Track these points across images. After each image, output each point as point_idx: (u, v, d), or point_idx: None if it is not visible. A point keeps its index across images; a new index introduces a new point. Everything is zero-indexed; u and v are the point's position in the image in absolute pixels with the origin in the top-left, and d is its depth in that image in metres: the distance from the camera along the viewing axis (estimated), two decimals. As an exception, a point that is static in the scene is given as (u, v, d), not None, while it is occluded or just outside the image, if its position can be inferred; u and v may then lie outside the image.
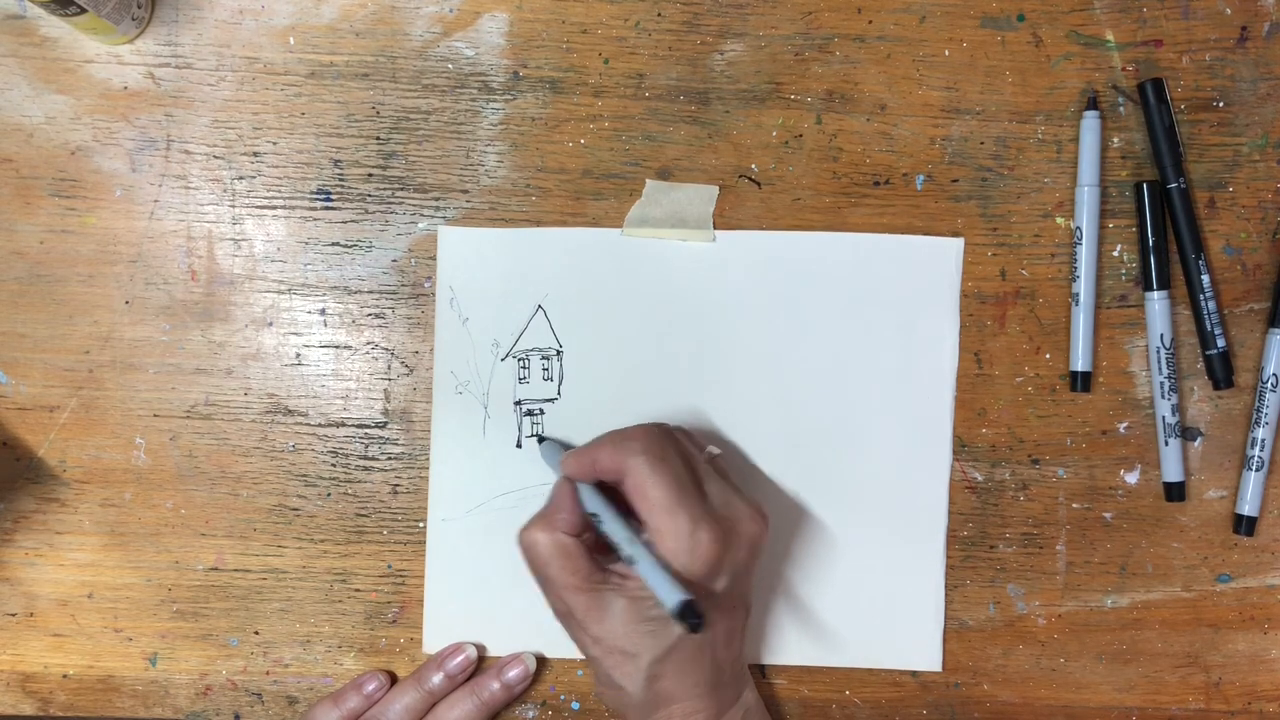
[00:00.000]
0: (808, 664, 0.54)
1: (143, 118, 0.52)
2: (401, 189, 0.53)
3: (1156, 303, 0.53)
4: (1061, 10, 0.53)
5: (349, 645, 0.54)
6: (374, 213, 0.53)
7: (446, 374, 0.53)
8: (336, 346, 0.53)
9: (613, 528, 0.46)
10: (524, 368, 0.53)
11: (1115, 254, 0.54)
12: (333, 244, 0.53)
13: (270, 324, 0.53)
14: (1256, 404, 0.53)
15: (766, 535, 0.48)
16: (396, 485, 0.54)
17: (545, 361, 0.53)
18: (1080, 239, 0.53)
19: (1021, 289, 0.54)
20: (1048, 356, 0.54)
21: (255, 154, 0.53)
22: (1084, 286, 0.53)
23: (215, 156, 0.53)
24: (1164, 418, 0.53)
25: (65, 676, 0.54)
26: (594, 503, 0.46)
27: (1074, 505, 0.54)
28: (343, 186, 0.53)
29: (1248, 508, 0.54)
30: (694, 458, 0.48)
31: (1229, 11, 0.53)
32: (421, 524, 0.54)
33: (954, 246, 0.54)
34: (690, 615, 0.42)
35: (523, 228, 0.53)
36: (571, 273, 0.53)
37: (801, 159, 0.53)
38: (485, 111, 0.53)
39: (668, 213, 0.53)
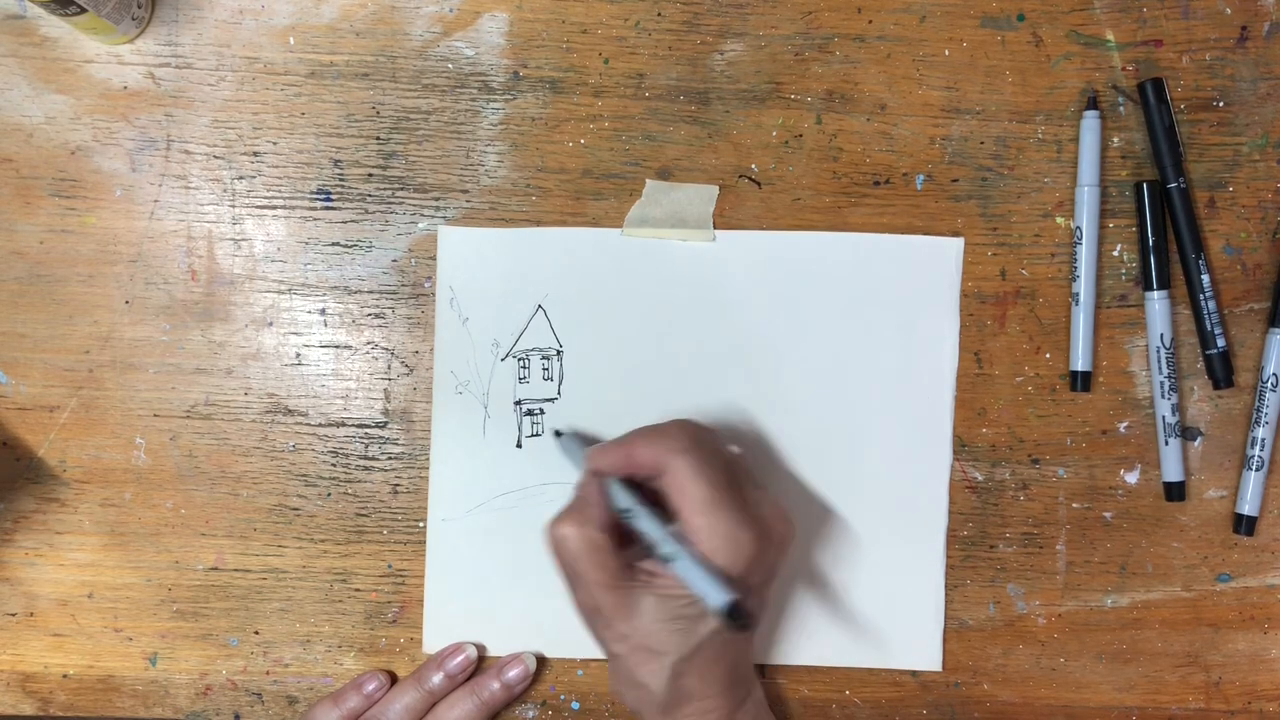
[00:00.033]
0: (808, 664, 0.54)
1: (143, 118, 0.52)
2: (401, 189, 0.53)
3: (1156, 302, 0.53)
4: (1061, 10, 0.53)
5: (349, 645, 0.54)
6: (374, 213, 0.53)
7: (446, 374, 0.53)
8: (336, 346, 0.53)
9: (647, 525, 0.45)
10: (524, 368, 0.53)
11: (1115, 254, 0.54)
12: (333, 244, 0.53)
13: (270, 324, 0.53)
14: (1256, 404, 0.53)
15: (793, 538, 0.48)
16: (396, 485, 0.54)
17: (545, 361, 0.53)
18: (1080, 239, 0.53)
19: (1021, 289, 0.54)
20: (1048, 356, 0.54)
21: (255, 154, 0.53)
22: (1084, 286, 0.53)
23: (215, 156, 0.53)
24: (1164, 417, 0.53)
25: (65, 676, 0.54)
26: (625, 498, 0.46)
27: (1074, 505, 0.54)
28: (343, 186, 0.53)
29: (1248, 507, 0.54)
30: (729, 456, 0.47)
31: (1229, 11, 0.53)
32: (421, 524, 0.54)
33: (954, 246, 0.54)
34: (740, 615, 0.42)
35: (523, 228, 0.53)
36: (571, 273, 0.53)
37: (801, 159, 0.53)
38: (485, 111, 0.53)
39: (668, 213, 0.53)
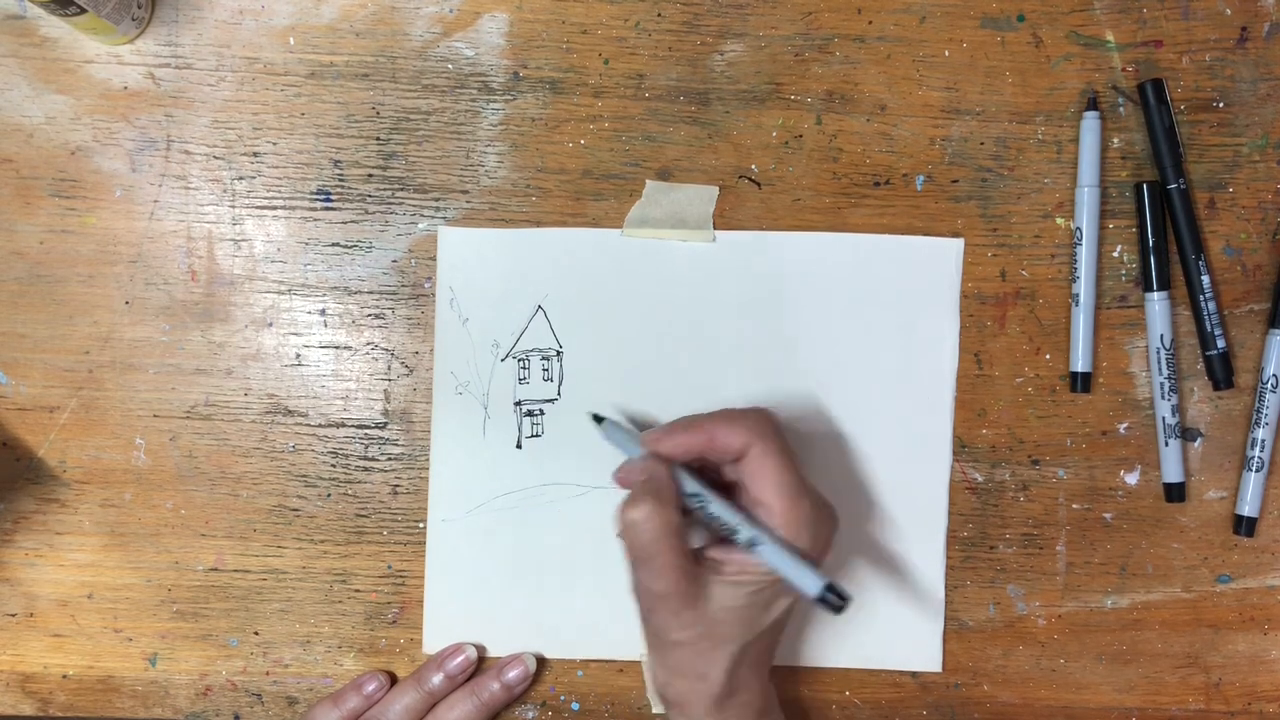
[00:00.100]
0: (808, 664, 0.54)
1: (143, 118, 0.52)
2: (401, 189, 0.53)
3: (1156, 303, 0.53)
4: (1061, 10, 0.53)
5: (349, 645, 0.54)
6: (374, 213, 0.53)
7: (446, 374, 0.53)
8: (336, 347, 0.53)
9: (722, 510, 0.45)
10: (524, 368, 0.53)
11: (1115, 254, 0.54)
12: (333, 244, 0.53)
13: (270, 324, 0.53)
14: (1256, 404, 0.53)
15: (838, 527, 0.48)
16: (396, 486, 0.54)
17: (545, 362, 0.53)
18: (1080, 239, 0.53)
19: (1021, 289, 0.54)
20: (1048, 357, 0.54)
21: (255, 154, 0.53)
22: (1084, 287, 0.53)
23: (215, 157, 0.53)
24: (1164, 418, 0.53)
25: (65, 677, 0.54)
26: (692, 484, 0.46)
27: (1074, 506, 0.54)
28: (343, 187, 0.53)
29: (1248, 508, 0.54)
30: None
31: (1229, 12, 0.53)
32: (421, 524, 0.54)
33: (954, 247, 0.54)
34: (837, 597, 0.42)
35: (523, 228, 0.53)
36: (571, 273, 0.53)
37: (801, 159, 0.53)
38: (485, 112, 0.53)
39: (668, 213, 0.53)
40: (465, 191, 0.53)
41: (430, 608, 0.54)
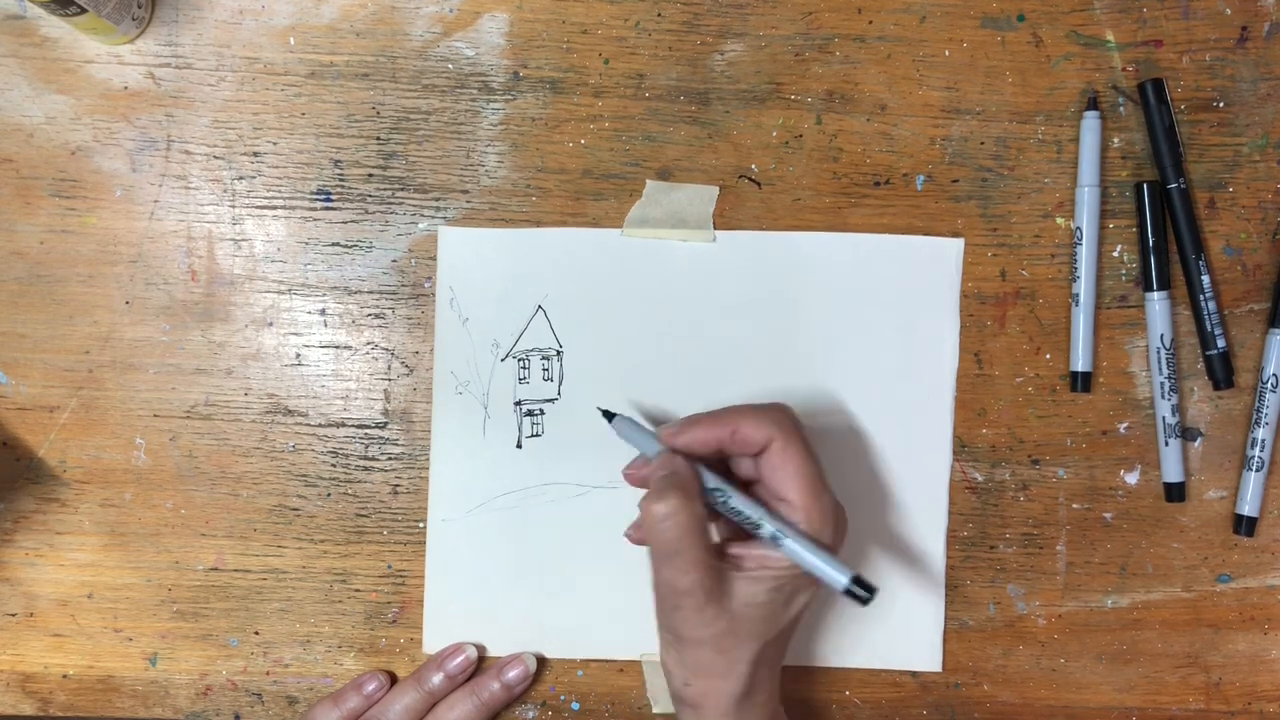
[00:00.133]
0: (808, 664, 0.54)
1: (143, 118, 0.52)
2: (401, 189, 0.53)
3: (1156, 303, 0.53)
4: (1061, 10, 0.53)
5: (349, 645, 0.54)
6: (374, 213, 0.53)
7: (446, 374, 0.53)
8: (336, 347, 0.53)
9: (744, 504, 0.45)
10: (524, 368, 0.53)
11: (1115, 254, 0.54)
12: (333, 244, 0.53)
13: (270, 324, 0.53)
14: (1256, 404, 0.53)
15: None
16: (396, 485, 0.54)
17: (545, 362, 0.53)
18: (1080, 239, 0.53)
19: (1021, 289, 0.54)
20: (1048, 357, 0.54)
21: (255, 154, 0.53)
22: (1084, 287, 0.53)
23: (215, 156, 0.53)
24: (1164, 418, 0.53)
25: (65, 676, 0.54)
26: (713, 478, 0.46)
27: (1074, 505, 0.54)
28: (343, 186, 0.53)
29: (1248, 508, 0.54)
30: None
31: (1229, 11, 0.53)
32: (421, 524, 0.54)
33: (954, 247, 0.54)
34: (863, 589, 0.43)
35: (523, 228, 0.53)
36: (571, 273, 0.53)
37: (801, 159, 0.53)
38: (485, 112, 0.53)
39: (668, 213, 0.53)
40: (465, 191, 0.53)
41: (430, 607, 0.54)
